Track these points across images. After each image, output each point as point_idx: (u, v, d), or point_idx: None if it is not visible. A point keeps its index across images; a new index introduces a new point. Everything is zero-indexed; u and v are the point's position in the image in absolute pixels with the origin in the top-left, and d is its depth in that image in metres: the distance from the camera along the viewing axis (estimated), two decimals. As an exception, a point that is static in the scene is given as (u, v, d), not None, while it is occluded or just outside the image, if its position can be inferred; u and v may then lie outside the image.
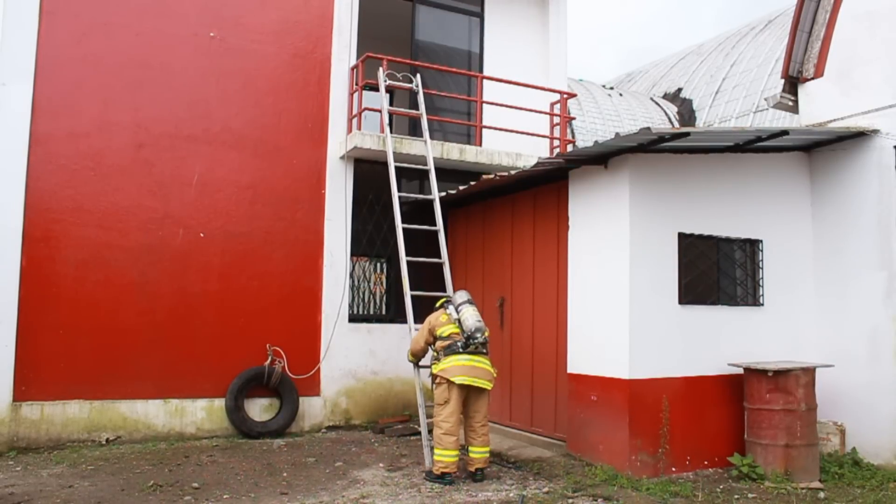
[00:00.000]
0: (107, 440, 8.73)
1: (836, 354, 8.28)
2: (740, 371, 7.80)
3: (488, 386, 7.35)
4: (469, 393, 7.34)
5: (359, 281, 10.60)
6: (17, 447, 8.33)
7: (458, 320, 7.43)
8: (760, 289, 8.36)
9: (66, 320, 8.68)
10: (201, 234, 9.40)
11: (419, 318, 8.44)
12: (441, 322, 7.58)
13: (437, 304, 7.96)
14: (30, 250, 8.58)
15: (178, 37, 9.54)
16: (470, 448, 7.39)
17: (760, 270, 8.38)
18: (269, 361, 9.48)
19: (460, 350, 7.30)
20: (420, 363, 8.06)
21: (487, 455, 7.41)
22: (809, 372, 7.55)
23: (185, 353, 9.19)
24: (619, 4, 57.92)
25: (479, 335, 7.26)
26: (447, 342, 7.41)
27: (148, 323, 9.05)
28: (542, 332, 8.74)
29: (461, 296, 7.64)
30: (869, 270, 8.19)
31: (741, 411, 7.83)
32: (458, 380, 7.17)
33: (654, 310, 7.56)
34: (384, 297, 10.82)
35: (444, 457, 7.16)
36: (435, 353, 7.58)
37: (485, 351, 7.39)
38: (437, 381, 7.36)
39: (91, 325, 8.78)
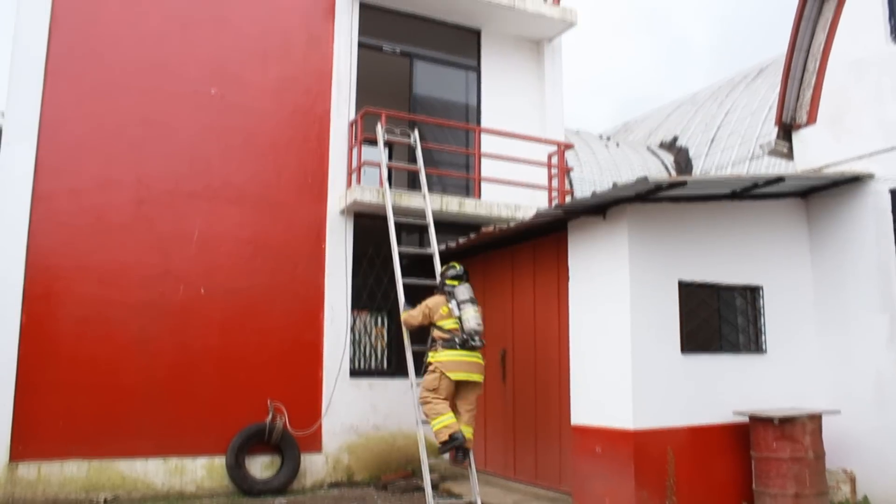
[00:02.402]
0: (105, 500, 8.60)
1: (841, 400, 8.21)
2: (745, 419, 7.73)
3: (481, 379, 7.88)
4: (459, 384, 7.76)
5: (360, 335, 10.56)
6: (14, 509, 8.21)
7: (460, 318, 7.78)
8: (763, 335, 8.32)
9: (65, 378, 8.63)
10: (202, 290, 9.40)
11: (420, 373, 8.40)
12: (442, 314, 7.93)
13: (441, 279, 8.28)
14: (30, 308, 8.58)
15: (179, 94, 9.69)
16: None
17: (762, 317, 8.35)
18: (270, 417, 9.39)
19: (458, 346, 7.71)
20: (424, 420, 7.99)
21: (471, 436, 7.83)
22: (816, 419, 7.47)
23: (185, 409, 9.11)
24: (609, 57, 58.95)
25: (477, 338, 7.73)
26: (446, 336, 7.80)
27: (148, 379, 8.99)
28: (545, 384, 8.67)
29: (463, 293, 7.94)
30: (871, 314, 8.16)
31: (748, 460, 7.73)
32: (454, 376, 7.65)
33: (656, 359, 7.52)
34: (385, 351, 10.76)
35: (443, 421, 7.57)
36: (431, 341, 7.93)
37: (479, 347, 7.81)
38: (432, 368, 7.76)
39: (90, 382, 8.73)
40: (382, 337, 10.88)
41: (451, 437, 7.52)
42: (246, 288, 9.63)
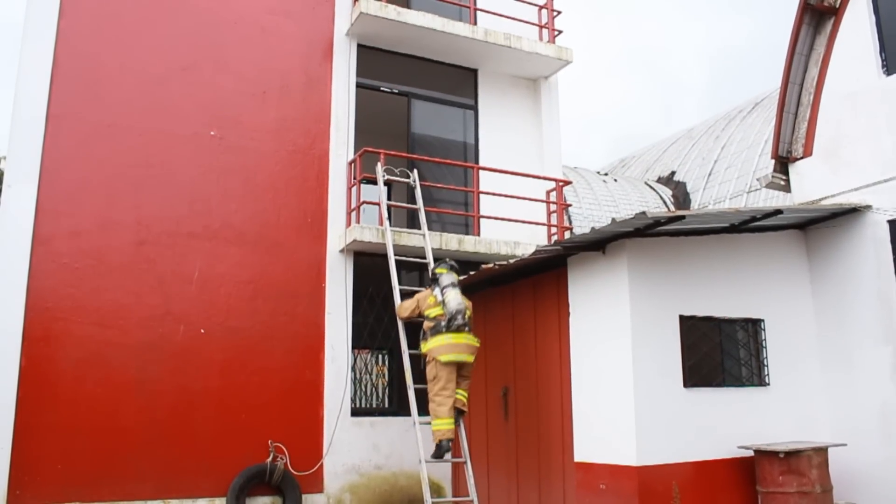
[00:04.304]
0: (104, 546, 8.49)
1: (847, 432, 8.13)
2: (750, 453, 7.65)
3: (470, 359, 8.16)
4: (456, 366, 8.09)
5: (360, 373, 10.51)
6: (11, 556, 8.10)
7: (443, 302, 8.07)
8: (765, 368, 8.28)
9: (64, 420, 8.57)
10: (202, 331, 9.38)
11: (423, 411, 8.37)
12: (429, 304, 8.29)
13: (432, 274, 8.58)
14: (29, 350, 8.56)
15: (179, 136, 9.76)
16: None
17: (764, 350, 8.31)
18: (270, 458, 9.30)
19: (444, 330, 7.99)
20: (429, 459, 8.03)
21: (465, 399, 8.24)
22: (822, 452, 7.41)
23: (185, 451, 9.03)
24: (604, 94, 59.69)
25: (459, 317, 7.98)
26: (432, 323, 8.12)
27: (147, 421, 8.92)
28: (548, 420, 8.60)
29: (447, 278, 8.27)
30: (874, 345, 8.13)
31: (754, 495, 7.63)
32: (443, 358, 7.95)
33: (659, 394, 7.47)
34: (387, 390, 10.70)
35: (441, 425, 7.94)
36: (423, 332, 8.25)
37: (467, 328, 8.08)
38: (427, 359, 8.10)
39: (90, 424, 8.67)
40: (383, 375, 10.83)
41: (439, 445, 7.96)
42: (246, 328, 9.61)
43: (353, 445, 9.87)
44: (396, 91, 11.56)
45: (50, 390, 8.58)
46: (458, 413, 8.20)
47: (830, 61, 9.03)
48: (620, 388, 7.45)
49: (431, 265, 9.26)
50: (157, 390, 9.04)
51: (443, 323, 8.02)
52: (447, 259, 8.71)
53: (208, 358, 9.36)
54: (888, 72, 8.43)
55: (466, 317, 8.08)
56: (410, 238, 10.02)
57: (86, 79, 9.43)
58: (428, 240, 9.78)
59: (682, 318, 7.78)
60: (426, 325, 8.22)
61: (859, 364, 8.25)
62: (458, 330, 8.02)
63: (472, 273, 9.31)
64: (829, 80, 9.02)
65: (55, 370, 8.65)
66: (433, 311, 8.18)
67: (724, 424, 7.79)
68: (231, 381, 9.41)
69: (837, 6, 8.99)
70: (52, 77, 9.21)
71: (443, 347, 7.99)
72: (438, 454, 7.98)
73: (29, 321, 8.62)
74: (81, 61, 9.44)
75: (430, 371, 8.08)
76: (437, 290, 8.24)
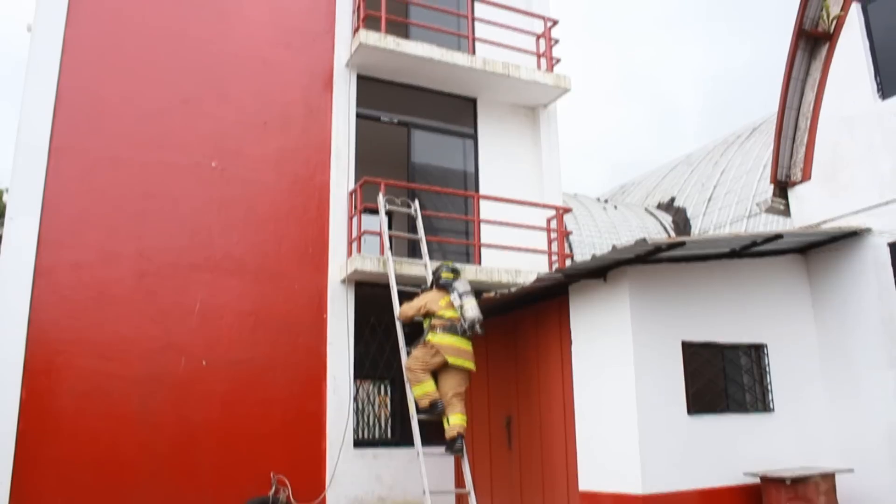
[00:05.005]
0: (105, 582, 8.38)
1: (854, 457, 8.07)
2: (756, 480, 7.59)
3: (474, 367, 8.42)
4: (449, 369, 8.28)
5: (363, 404, 10.45)
6: None
7: (461, 307, 8.32)
8: (769, 394, 8.24)
9: (64, 454, 8.50)
10: (203, 362, 9.34)
11: (427, 441, 8.31)
12: (441, 306, 8.49)
13: (435, 276, 8.86)
14: (30, 383, 8.51)
15: (180, 168, 9.81)
16: (449, 417, 8.22)
17: (767, 375, 8.28)
18: (273, 490, 9.21)
19: (458, 333, 8.28)
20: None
21: (465, 423, 8.33)
22: (829, 478, 7.35)
23: (187, 484, 8.94)
24: (601, 122, 60.10)
25: (477, 325, 8.24)
26: (447, 322, 8.35)
27: (149, 454, 8.85)
28: (551, 449, 8.55)
29: (463, 285, 8.54)
30: (878, 370, 8.09)
31: (762, 523, 7.57)
32: (453, 360, 8.21)
33: (663, 421, 7.43)
34: (389, 421, 10.62)
35: (424, 388, 8.22)
36: (432, 326, 8.40)
37: (480, 334, 8.35)
38: (430, 345, 8.26)
39: (90, 458, 8.60)
40: (386, 406, 10.77)
41: (432, 405, 8.19)
42: (247, 359, 9.57)
43: (355, 477, 9.78)
44: (396, 121, 11.62)
45: (51, 423, 8.53)
46: (459, 437, 8.19)
47: (826, 86, 9.11)
48: (624, 415, 7.41)
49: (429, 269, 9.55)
50: (159, 423, 8.99)
51: (458, 327, 8.28)
52: (447, 263, 8.93)
53: (210, 390, 9.31)
54: (883, 96, 8.49)
55: (482, 328, 8.29)
56: (412, 267, 10.01)
57: (88, 112, 9.49)
58: (429, 269, 9.77)
59: (684, 344, 7.77)
60: (437, 321, 8.37)
61: (864, 388, 8.21)
62: (470, 338, 8.32)
63: (473, 301, 9.31)
64: (826, 104, 9.09)
65: (56, 402, 8.60)
66: (447, 313, 8.41)
67: (729, 451, 7.74)
68: (233, 412, 9.35)
69: (832, 32, 9.09)
70: (54, 110, 9.27)
71: (454, 349, 8.23)
72: (458, 447, 8.17)
73: (30, 353, 8.59)
74: (84, 94, 9.51)
75: (425, 354, 8.28)
76: (454, 296, 8.44)
